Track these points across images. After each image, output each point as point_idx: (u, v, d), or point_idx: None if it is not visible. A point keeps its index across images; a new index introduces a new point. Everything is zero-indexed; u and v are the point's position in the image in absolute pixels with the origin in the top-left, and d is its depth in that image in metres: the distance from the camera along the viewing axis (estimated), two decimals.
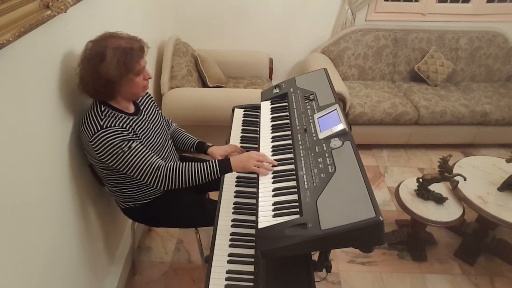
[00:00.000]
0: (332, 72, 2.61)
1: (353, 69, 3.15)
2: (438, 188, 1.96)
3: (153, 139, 1.42)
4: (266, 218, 1.06)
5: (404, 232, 2.17)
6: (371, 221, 0.88)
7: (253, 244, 1.22)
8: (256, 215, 1.10)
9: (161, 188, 1.32)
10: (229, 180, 1.47)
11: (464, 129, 2.93)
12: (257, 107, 1.77)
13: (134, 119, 1.37)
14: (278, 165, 1.27)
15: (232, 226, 1.29)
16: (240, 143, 1.64)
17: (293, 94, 1.57)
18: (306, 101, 1.48)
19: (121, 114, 1.33)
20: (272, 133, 1.46)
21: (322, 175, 1.09)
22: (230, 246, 1.22)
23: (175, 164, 1.31)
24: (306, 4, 3.04)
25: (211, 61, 2.81)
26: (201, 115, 2.40)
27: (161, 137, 1.49)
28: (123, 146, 1.25)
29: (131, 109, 1.41)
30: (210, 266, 1.16)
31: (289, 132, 1.41)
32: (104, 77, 1.21)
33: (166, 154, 1.52)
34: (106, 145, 1.24)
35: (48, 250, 1.18)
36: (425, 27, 3.15)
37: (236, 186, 1.45)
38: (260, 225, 1.04)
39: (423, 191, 1.94)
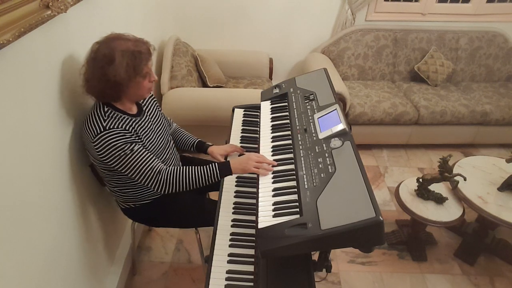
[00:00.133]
0: (332, 72, 2.61)
1: (353, 69, 3.15)
2: (438, 188, 1.96)
3: (155, 140, 1.42)
4: (266, 218, 1.07)
5: (404, 232, 2.17)
6: (371, 221, 0.89)
7: (253, 244, 1.22)
8: (256, 215, 1.10)
9: (162, 192, 1.32)
10: (229, 180, 1.47)
11: (464, 129, 2.92)
12: (257, 107, 1.77)
13: (136, 121, 1.36)
14: (278, 165, 1.27)
15: (232, 226, 1.29)
16: (240, 143, 1.64)
17: (293, 94, 1.57)
18: (306, 101, 1.48)
19: (124, 116, 1.32)
20: (272, 133, 1.46)
21: (322, 175, 1.09)
22: (230, 246, 1.22)
23: (175, 168, 1.31)
24: (306, 4, 3.04)
25: (211, 61, 2.81)
26: (201, 115, 2.40)
27: (163, 139, 1.49)
28: (125, 148, 1.25)
29: (134, 110, 1.40)
30: (210, 266, 1.16)
31: (289, 132, 1.41)
32: (113, 79, 1.20)
33: (168, 156, 1.52)
34: (108, 147, 1.24)
35: (48, 250, 1.18)
36: (425, 27, 3.15)
37: (236, 186, 1.45)
38: (260, 225, 1.04)
39: (423, 191, 1.94)
